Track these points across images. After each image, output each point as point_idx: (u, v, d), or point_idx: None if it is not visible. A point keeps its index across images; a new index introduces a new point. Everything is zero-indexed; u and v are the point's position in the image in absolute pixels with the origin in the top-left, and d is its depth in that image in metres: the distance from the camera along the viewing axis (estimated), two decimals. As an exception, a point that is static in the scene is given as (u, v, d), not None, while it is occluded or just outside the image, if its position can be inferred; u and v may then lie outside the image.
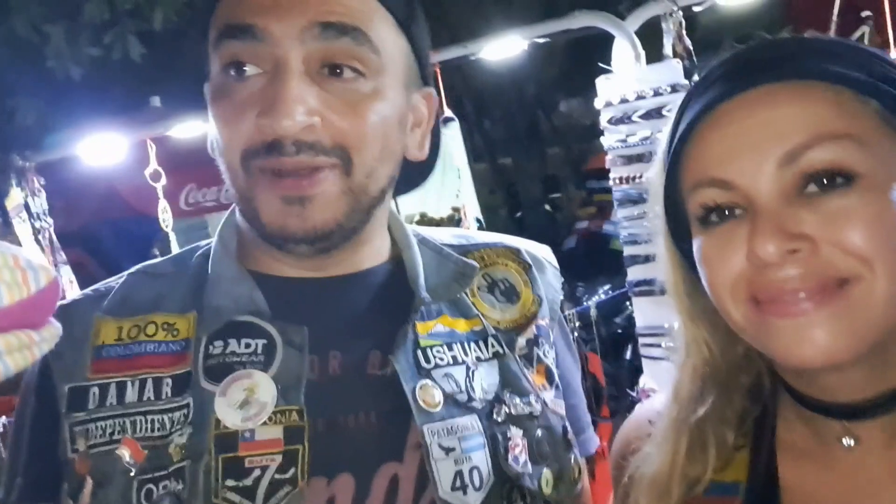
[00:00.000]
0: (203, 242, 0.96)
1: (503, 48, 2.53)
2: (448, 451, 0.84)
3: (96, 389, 0.83)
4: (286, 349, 0.84)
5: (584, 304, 3.84)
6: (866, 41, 2.16)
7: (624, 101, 2.22)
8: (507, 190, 10.85)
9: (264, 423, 0.81)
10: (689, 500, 0.81)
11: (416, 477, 0.84)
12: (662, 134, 0.82)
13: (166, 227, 3.15)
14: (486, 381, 0.90)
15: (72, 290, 3.13)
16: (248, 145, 0.81)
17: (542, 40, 2.51)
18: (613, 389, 3.51)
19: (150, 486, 0.79)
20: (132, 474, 0.79)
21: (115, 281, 0.93)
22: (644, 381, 2.22)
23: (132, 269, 0.94)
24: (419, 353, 0.88)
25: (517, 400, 0.91)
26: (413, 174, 1.05)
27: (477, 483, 0.84)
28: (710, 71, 0.77)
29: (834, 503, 0.75)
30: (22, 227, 3.25)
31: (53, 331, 0.67)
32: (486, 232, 1.13)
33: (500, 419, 0.89)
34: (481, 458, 0.86)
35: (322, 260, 0.88)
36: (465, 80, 8.83)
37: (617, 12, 2.45)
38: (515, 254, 1.03)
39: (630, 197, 2.24)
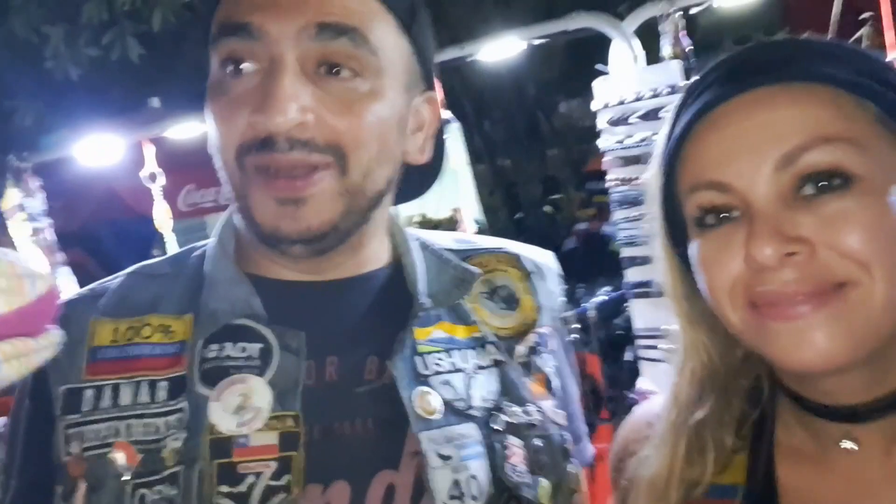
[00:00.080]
0: (201, 243, 0.96)
1: (502, 49, 2.54)
2: (446, 459, 0.83)
3: (91, 392, 0.83)
4: (283, 354, 0.84)
5: (583, 305, 3.84)
6: (865, 42, 2.16)
7: (622, 102, 2.21)
8: (506, 191, 10.83)
9: (259, 429, 0.80)
10: (688, 503, 0.80)
11: (412, 485, 0.82)
12: (659, 135, 0.81)
13: (161, 229, 3.15)
14: (485, 388, 0.89)
15: (72, 291, 3.12)
16: (242, 141, 0.81)
17: (540, 41, 2.51)
18: (613, 391, 3.50)
19: (144, 490, 0.78)
20: (126, 478, 0.78)
21: (111, 280, 0.92)
22: (642, 383, 2.22)
23: (129, 269, 0.94)
24: (417, 359, 0.87)
25: (516, 408, 0.90)
26: (419, 182, 1.03)
27: (475, 492, 0.83)
28: (707, 72, 0.76)
29: None
30: (20, 227, 3.25)
31: (53, 338, 0.66)
32: (487, 237, 1.11)
33: (498, 428, 0.87)
34: (479, 467, 0.84)
35: (320, 263, 0.87)
36: (465, 81, 8.81)
37: (616, 13, 2.45)
38: (516, 260, 1.02)
39: (628, 198, 2.25)
